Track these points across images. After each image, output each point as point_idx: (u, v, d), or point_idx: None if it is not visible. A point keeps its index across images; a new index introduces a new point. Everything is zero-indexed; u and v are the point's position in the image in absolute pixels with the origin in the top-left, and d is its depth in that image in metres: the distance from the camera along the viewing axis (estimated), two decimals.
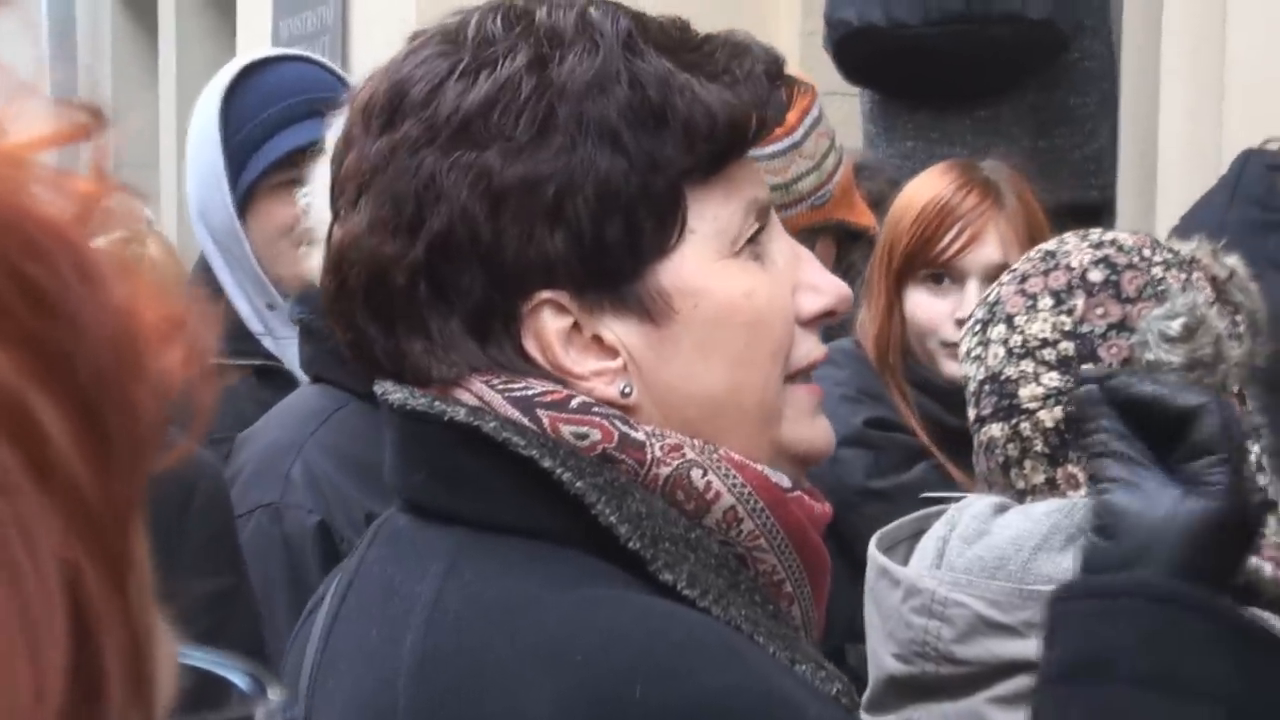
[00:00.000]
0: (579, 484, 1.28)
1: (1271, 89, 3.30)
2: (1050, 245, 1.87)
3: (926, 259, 2.82)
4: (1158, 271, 1.79)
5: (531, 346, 1.32)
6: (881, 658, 1.82)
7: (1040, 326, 1.79)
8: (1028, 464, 1.80)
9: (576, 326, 1.32)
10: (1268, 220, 2.88)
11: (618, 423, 1.31)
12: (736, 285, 1.35)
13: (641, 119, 1.31)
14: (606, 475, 1.29)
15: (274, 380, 3.09)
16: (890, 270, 2.85)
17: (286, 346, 3.15)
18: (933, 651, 1.76)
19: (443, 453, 1.34)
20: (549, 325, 1.32)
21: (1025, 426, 1.79)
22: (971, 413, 1.86)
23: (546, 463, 1.29)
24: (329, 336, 2.51)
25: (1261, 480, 1.79)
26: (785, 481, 1.35)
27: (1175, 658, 1.38)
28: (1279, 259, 2.70)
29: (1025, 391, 1.79)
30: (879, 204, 3.09)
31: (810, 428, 1.41)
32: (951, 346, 2.52)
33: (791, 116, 2.67)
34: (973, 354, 1.86)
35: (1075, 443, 1.75)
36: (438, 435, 1.32)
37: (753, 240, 1.37)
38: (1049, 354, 1.78)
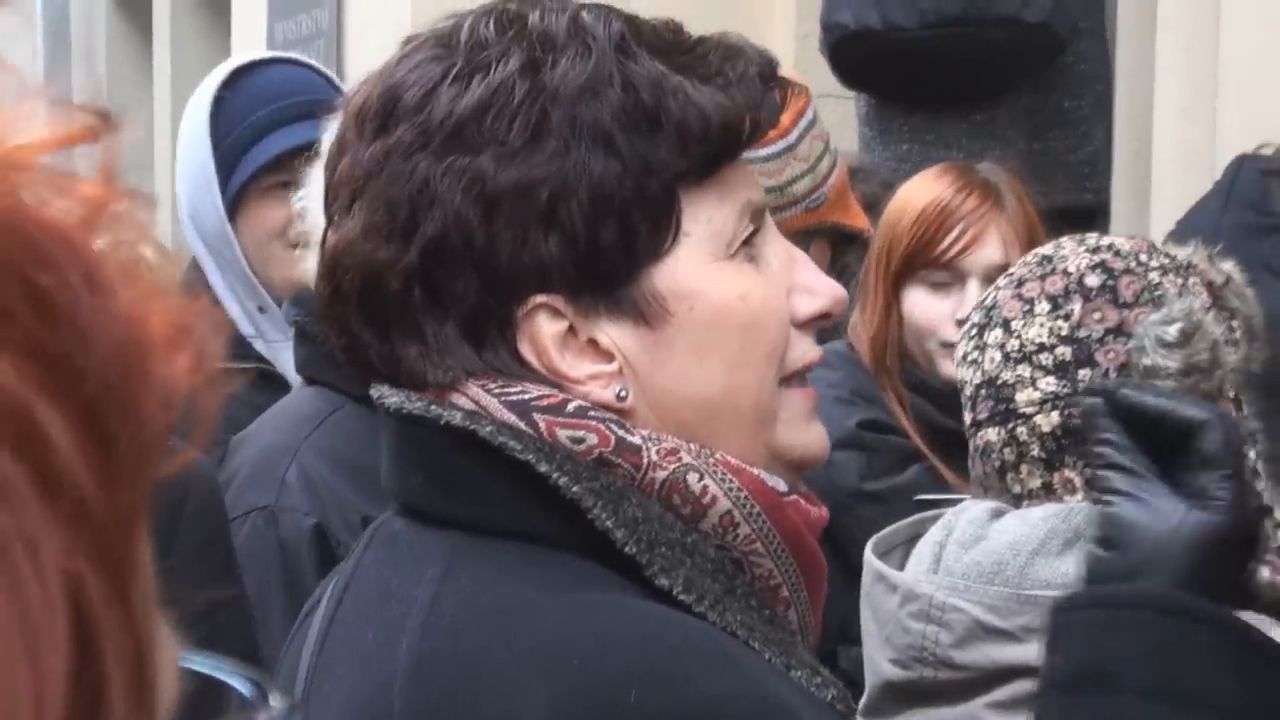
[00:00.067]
0: (575, 488, 1.28)
1: (1266, 87, 3.30)
2: (1047, 250, 1.87)
3: (928, 259, 2.82)
4: (1154, 277, 1.79)
5: (527, 351, 1.32)
6: (878, 663, 1.82)
7: (1037, 331, 1.79)
8: (1024, 469, 1.80)
9: (572, 330, 1.32)
10: (1262, 225, 2.88)
11: (614, 427, 1.31)
12: (731, 287, 1.35)
13: (635, 122, 1.30)
14: (603, 479, 1.29)
15: (266, 383, 3.08)
16: (888, 271, 2.85)
17: (279, 350, 3.15)
18: (930, 657, 1.76)
19: (439, 456, 1.34)
20: (544, 329, 1.32)
21: (1022, 431, 1.79)
22: (968, 417, 1.86)
23: (542, 467, 1.29)
24: (325, 339, 2.51)
25: (1257, 485, 1.79)
26: (781, 485, 1.35)
27: (1181, 669, 1.39)
28: (1273, 263, 2.70)
29: (1022, 396, 1.79)
30: (874, 207, 3.09)
31: (805, 433, 1.40)
32: (951, 347, 2.52)
33: (786, 119, 2.67)
34: (969, 358, 1.86)
35: (1078, 453, 1.75)
36: (434, 439, 1.32)
37: (747, 242, 1.37)
38: (1046, 359, 1.78)
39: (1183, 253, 1.84)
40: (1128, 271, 1.79)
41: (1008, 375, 1.80)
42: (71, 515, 0.53)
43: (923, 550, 1.83)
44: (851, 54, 4.28)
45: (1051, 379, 1.78)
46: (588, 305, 1.32)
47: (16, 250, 0.54)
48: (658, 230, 1.32)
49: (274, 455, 2.52)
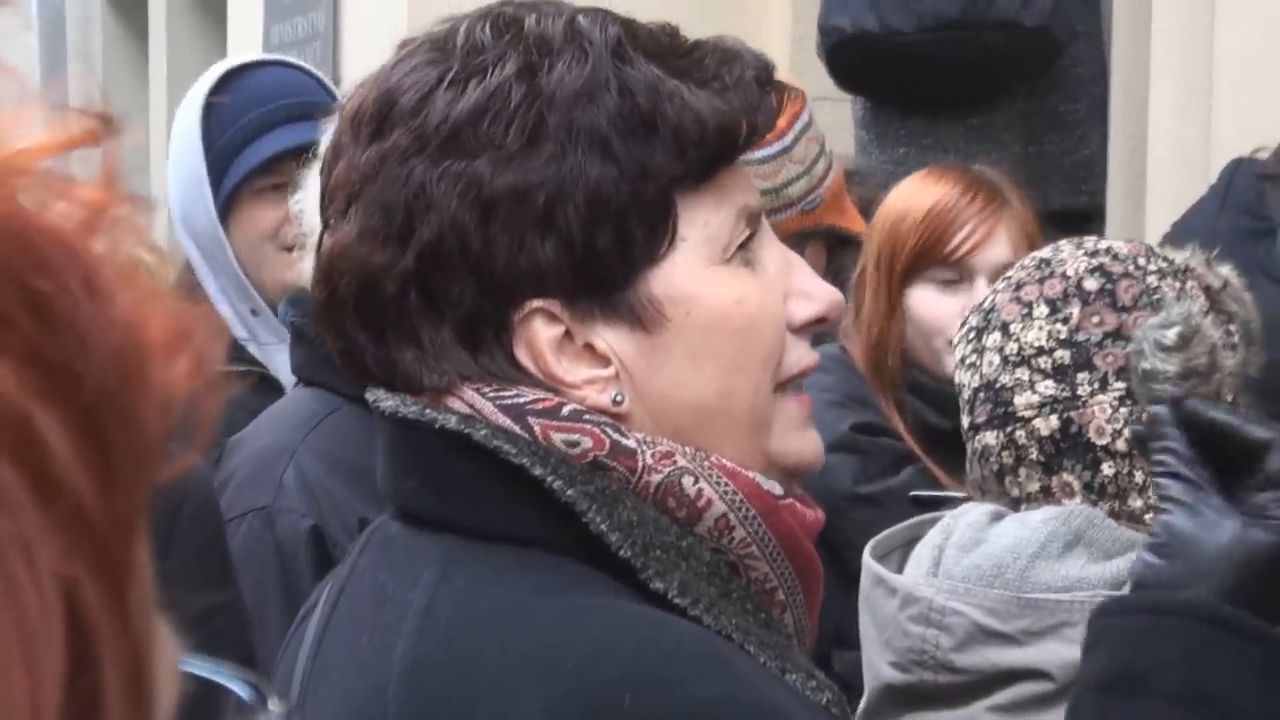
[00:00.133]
0: (570, 492, 1.28)
1: (1260, 90, 3.30)
2: (1045, 253, 1.87)
3: (938, 258, 2.81)
4: (1153, 280, 1.79)
5: (523, 355, 1.32)
6: (878, 666, 1.82)
7: (1036, 334, 1.79)
8: (1022, 472, 1.80)
9: (568, 335, 1.32)
10: (1257, 228, 2.88)
11: (609, 430, 1.31)
12: (728, 292, 1.35)
13: (631, 126, 1.30)
14: (598, 483, 1.29)
15: (260, 386, 3.08)
16: (892, 271, 2.85)
17: (272, 352, 3.15)
18: (931, 660, 1.76)
19: (434, 460, 1.34)
20: (540, 334, 1.32)
21: (1020, 434, 1.79)
22: (966, 420, 1.86)
23: (537, 470, 1.29)
24: (321, 341, 2.51)
25: None
26: (777, 489, 1.35)
27: (1214, 678, 1.40)
28: (1269, 266, 2.71)
29: (1020, 399, 1.79)
30: (870, 210, 3.09)
31: (800, 440, 1.40)
32: None
33: (781, 121, 2.67)
34: (967, 361, 1.86)
35: (1082, 454, 1.75)
36: (429, 443, 1.32)
37: (744, 247, 1.37)
38: (1044, 362, 1.78)
39: (1180, 256, 1.84)
40: (1126, 275, 1.79)
41: (1006, 378, 1.80)
42: (69, 521, 0.53)
43: (921, 553, 1.83)
44: (849, 57, 4.28)
45: (1050, 382, 1.78)
46: (584, 310, 1.32)
47: (15, 255, 0.54)
48: (654, 235, 1.32)
49: (271, 456, 2.52)
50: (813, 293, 1.41)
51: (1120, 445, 1.75)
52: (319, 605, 1.44)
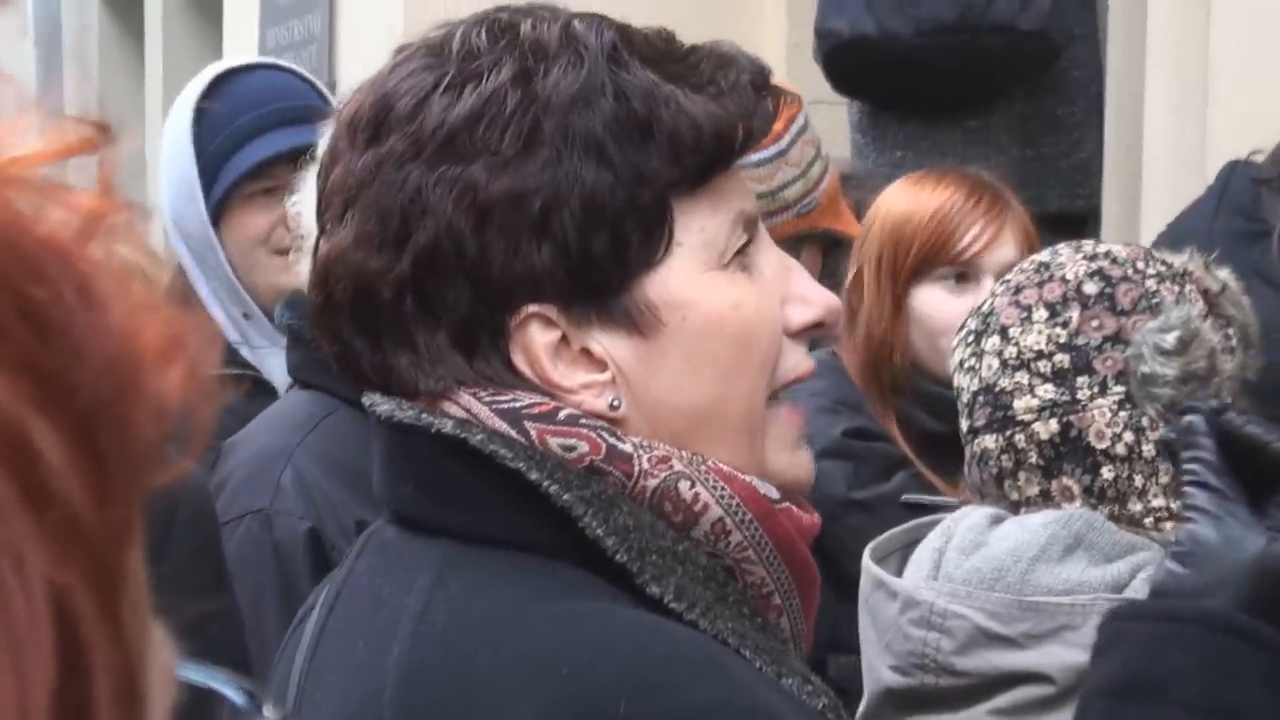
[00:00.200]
0: (566, 496, 1.28)
1: (1255, 92, 3.31)
2: (1044, 257, 1.87)
3: (947, 258, 2.81)
4: (1151, 284, 1.79)
5: (519, 360, 1.32)
6: (878, 670, 1.82)
7: (1035, 338, 1.79)
8: (1022, 476, 1.80)
9: (564, 340, 1.32)
10: (1252, 230, 2.89)
11: (605, 435, 1.31)
12: (724, 297, 1.35)
13: (627, 131, 1.30)
14: (594, 487, 1.29)
15: (252, 389, 3.08)
16: (896, 272, 2.84)
17: (265, 356, 3.15)
18: (932, 663, 1.76)
19: (430, 465, 1.34)
20: (536, 339, 1.31)
21: (1020, 438, 1.79)
22: (964, 423, 1.86)
23: (533, 475, 1.28)
24: (318, 343, 2.51)
25: None
26: (774, 493, 1.35)
27: (1233, 689, 1.40)
28: (1264, 269, 2.71)
29: (1020, 403, 1.79)
30: (865, 214, 3.09)
31: (791, 456, 1.40)
32: None
33: (777, 125, 2.67)
34: (966, 365, 1.86)
35: (1082, 458, 1.75)
36: (425, 447, 1.32)
37: (741, 252, 1.37)
38: (1044, 366, 1.78)
39: (1179, 260, 1.84)
40: (1125, 279, 1.79)
41: (1005, 382, 1.80)
42: (61, 528, 0.53)
43: (921, 556, 1.83)
44: (846, 61, 4.28)
45: (1050, 386, 1.78)
46: (580, 315, 1.32)
47: (11, 264, 0.54)
48: (650, 240, 1.32)
49: (268, 459, 2.52)
50: (810, 298, 1.40)
51: (1120, 449, 1.76)
52: (315, 609, 1.44)
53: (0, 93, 0.58)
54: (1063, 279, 1.81)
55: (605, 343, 1.33)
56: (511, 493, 1.29)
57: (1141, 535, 1.75)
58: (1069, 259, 1.83)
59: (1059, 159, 4.42)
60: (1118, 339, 1.76)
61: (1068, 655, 1.66)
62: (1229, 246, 2.33)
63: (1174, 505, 1.73)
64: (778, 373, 1.38)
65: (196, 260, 3.19)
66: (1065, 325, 1.78)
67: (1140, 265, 1.81)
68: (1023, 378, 1.79)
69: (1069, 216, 4.25)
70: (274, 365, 3.14)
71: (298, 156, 3.01)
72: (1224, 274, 1.84)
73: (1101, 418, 1.76)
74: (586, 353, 1.33)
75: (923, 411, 2.82)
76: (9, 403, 0.53)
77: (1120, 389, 1.75)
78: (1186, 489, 1.49)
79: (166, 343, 0.58)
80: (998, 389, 1.81)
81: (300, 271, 2.54)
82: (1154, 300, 1.77)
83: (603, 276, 1.31)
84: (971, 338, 1.86)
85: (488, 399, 1.31)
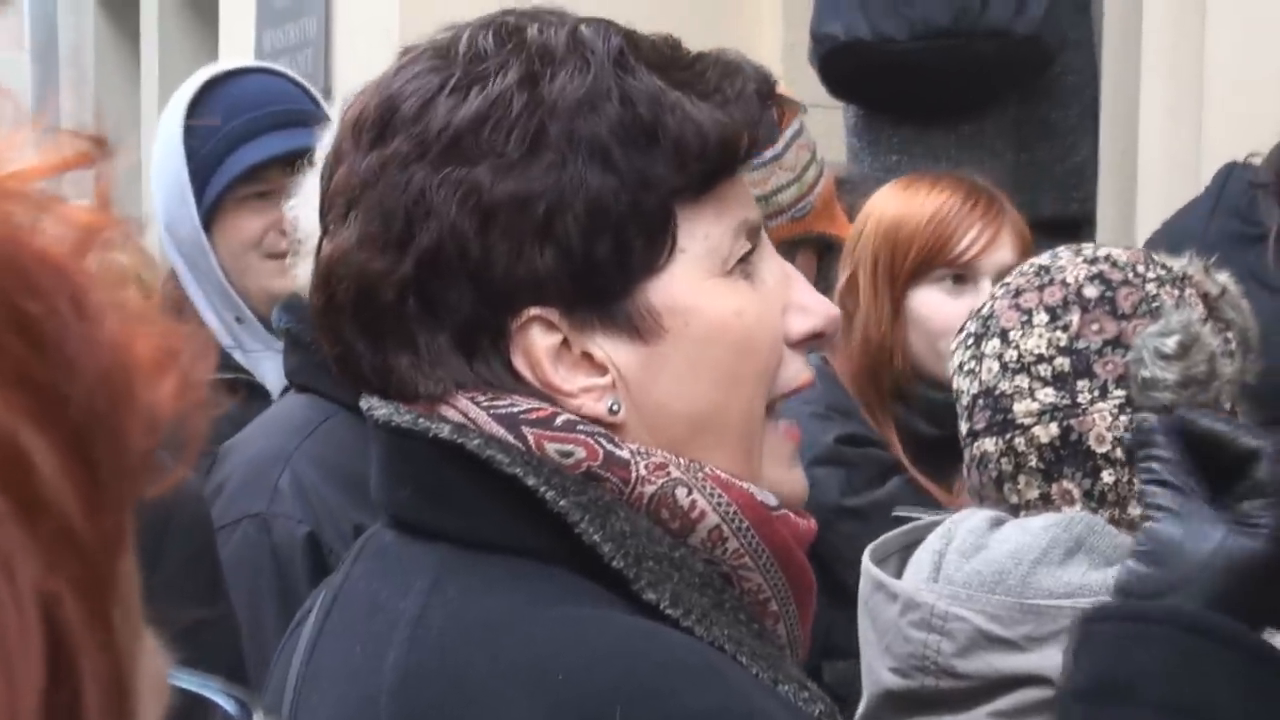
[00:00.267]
0: (562, 502, 1.28)
1: (1250, 92, 3.31)
2: (1044, 260, 1.87)
3: (945, 260, 2.82)
4: (1152, 288, 1.79)
5: (520, 363, 1.32)
6: (878, 672, 1.82)
7: (1035, 342, 1.79)
8: (1021, 479, 1.80)
9: (565, 343, 1.32)
10: (1248, 233, 2.89)
11: (602, 441, 1.31)
12: (726, 304, 1.35)
13: (632, 137, 1.30)
14: (590, 493, 1.29)
15: (245, 393, 3.08)
16: (894, 275, 2.84)
17: (258, 360, 3.15)
18: (932, 666, 1.76)
19: (427, 469, 1.34)
20: (538, 342, 1.31)
21: (1020, 442, 1.79)
22: (964, 426, 1.86)
23: (530, 480, 1.28)
24: (316, 347, 2.51)
25: None
26: (771, 500, 1.35)
27: (1201, 687, 1.40)
28: (1259, 271, 2.72)
29: (1020, 407, 1.79)
30: None
31: (786, 473, 1.40)
32: None
33: None
34: (965, 368, 1.86)
35: (1082, 462, 1.75)
36: (422, 452, 1.32)
37: (744, 260, 1.37)
38: (1044, 369, 1.78)
39: (1178, 263, 1.84)
40: (1125, 283, 1.79)
41: (1005, 386, 1.80)
42: (53, 537, 0.54)
43: (921, 558, 1.83)
44: (841, 65, 4.29)
45: (1050, 390, 1.77)
46: (582, 319, 1.32)
47: (6, 278, 0.55)
48: (653, 245, 1.32)
49: (266, 463, 2.52)
50: (811, 307, 1.41)
51: (1120, 453, 1.76)
52: (312, 613, 1.44)
53: (4, 107, 0.58)
54: (1063, 282, 1.81)
55: (606, 347, 1.33)
56: (508, 498, 1.29)
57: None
58: (1069, 262, 1.83)
59: (1053, 164, 4.43)
60: (1118, 343, 1.76)
61: None
62: (1225, 248, 2.33)
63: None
64: (778, 381, 1.38)
65: (189, 264, 3.19)
66: (1066, 329, 1.78)
67: (1140, 269, 1.81)
68: (1023, 381, 1.79)
69: (1063, 221, 4.26)
70: (267, 369, 3.14)
71: (290, 160, 3.01)
72: (1223, 278, 1.84)
73: (1102, 421, 1.76)
74: (587, 357, 1.33)
75: (919, 416, 2.83)
76: (3, 414, 0.53)
77: (1121, 393, 1.75)
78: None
79: (160, 354, 0.59)
80: (998, 392, 1.81)
81: (297, 275, 2.54)
82: (1154, 304, 1.78)
83: (605, 281, 1.31)
84: (971, 340, 1.86)
85: (485, 404, 1.31)
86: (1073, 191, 4.41)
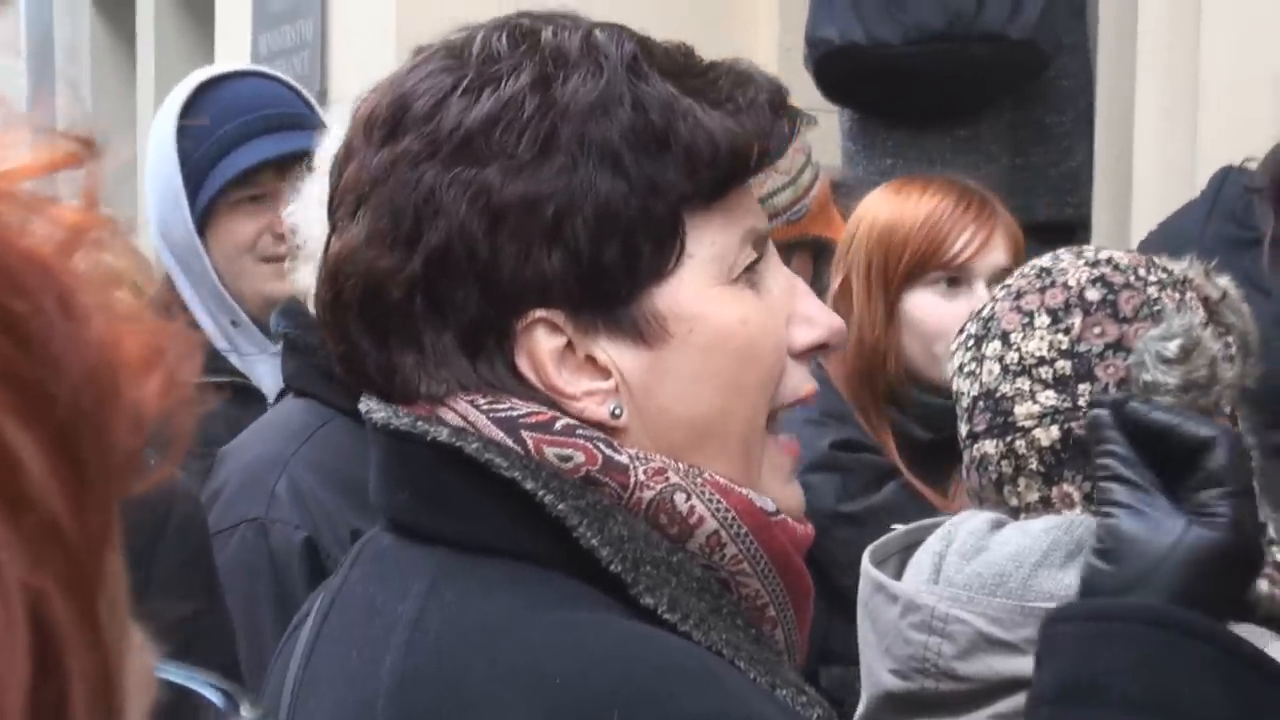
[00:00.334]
0: (561, 506, 1.28)
1: (1245, 97, 3.32)
2: (1045, 262, 1.87)
3: (940, 263, 2.82)
4: (1153, 291, 1.79)
5: (524, 365, 1.32)
6: (878, 674, 1.82)
7: (1037, 345, 1.79)
8: (1022, 482, 1.80)
9: (570, 346, 1.32)
10: (1244, 237, 2.89)
11: (601, 445, 1.31)
12: (732, 312, 1.35)
13: (643, 142, 1.30)
14: (589, 498, 1.29)
15: (241, 397, 3.09)
16: (888, 279, 2.85)
17: (253, 363, 3.16)
18: (933, 668, 1.76)
19: (426, 473, 1.34)
20: (542, 344, 1.31)
21: (1020, 444, 1.79)
22: (964, 428, 1.86)
23: (528, 484, 1.28)
24: (314, 351, 2.51)
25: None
26: (769, 505, 1.35)
27: (1169, 683, 1.39)
28: (1255, 276, 2.72)
29: (1021, 409, 1.79)
30: None
31: (785, 488, 1.40)
32: None
33: None
34: (966, 369, 1.86)
35: (1083, 465, 1.75)
36: (421, 455, 1.32)
37: (750, 269, 1.37)
38: (1045, 372, 1.78)
39: (1179, 267, 1.84)
40: (1127, 286, 1.80)
41: (1006, 388, 1.80)
42: (39, 534, 0.54)
43: (921, 560, 1.83)
44: (836, 69, 4.29)
45: (1051, 393, 1.78)
46: (587, 322, 1.32)
47: None
48: (661, 251, 1.32)
49: (263, 467, 2.52)
50: (815, 319, 1.41)
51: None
52: (310, 616, 1.44)
53: None
54: (1065, 285, 1.81)
55: (610, 351, 1.33)
56: (507, 502, 1.29)
57: None
58: (1070, 265, 1.83)
59: (1048, 168, 4.43)
60: (1119, 346, 1.77)
61: None
62: (1220, 253, 2.34)
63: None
64: (780, 391, 1.38)
65: (183, 268, 3.19)
66: (1067, 332, 1.79)
67: (1142, 272, 1.81)
68: (1024, 384, 1.79)
69: (1058, 225, 4.26)
70: (263, 372, 3.14)
71: (284, 164, 3.01)
72: (1224, 281, 1.85)
73: None
74: (591, 360, 1.33)
75: (914, 421, 2.83)
76: None
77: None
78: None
79: (146, 352, 0.60)
80: (999, 394, 1.81)
81: (296, 280, 2.54)
82: (1156, 308, 1.78)
83: (612, 285, 1.31)
84: (972, 342, 1.86)
85: (485, 407, 1.31)
86: (1068, 196, 4.42)
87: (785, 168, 2.93)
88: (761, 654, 1.32)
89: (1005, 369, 1.80)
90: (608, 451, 1.31)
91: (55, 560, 0.55)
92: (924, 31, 4.18)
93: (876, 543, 1.91)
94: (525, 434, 1.30)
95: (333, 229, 1.37)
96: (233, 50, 6.88)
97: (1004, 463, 1.80)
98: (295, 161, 2.76)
